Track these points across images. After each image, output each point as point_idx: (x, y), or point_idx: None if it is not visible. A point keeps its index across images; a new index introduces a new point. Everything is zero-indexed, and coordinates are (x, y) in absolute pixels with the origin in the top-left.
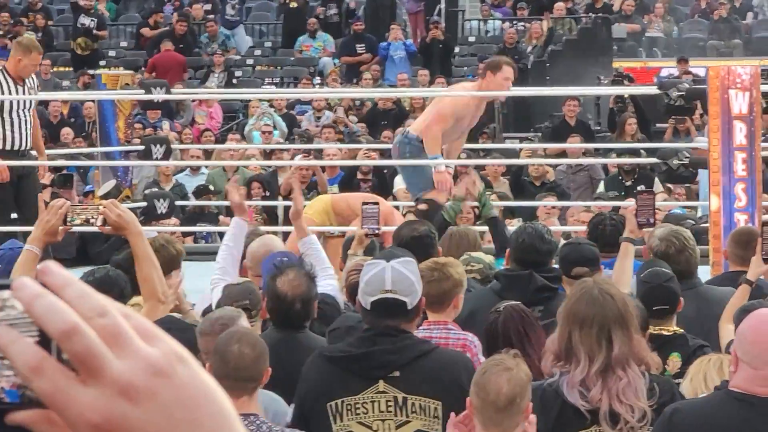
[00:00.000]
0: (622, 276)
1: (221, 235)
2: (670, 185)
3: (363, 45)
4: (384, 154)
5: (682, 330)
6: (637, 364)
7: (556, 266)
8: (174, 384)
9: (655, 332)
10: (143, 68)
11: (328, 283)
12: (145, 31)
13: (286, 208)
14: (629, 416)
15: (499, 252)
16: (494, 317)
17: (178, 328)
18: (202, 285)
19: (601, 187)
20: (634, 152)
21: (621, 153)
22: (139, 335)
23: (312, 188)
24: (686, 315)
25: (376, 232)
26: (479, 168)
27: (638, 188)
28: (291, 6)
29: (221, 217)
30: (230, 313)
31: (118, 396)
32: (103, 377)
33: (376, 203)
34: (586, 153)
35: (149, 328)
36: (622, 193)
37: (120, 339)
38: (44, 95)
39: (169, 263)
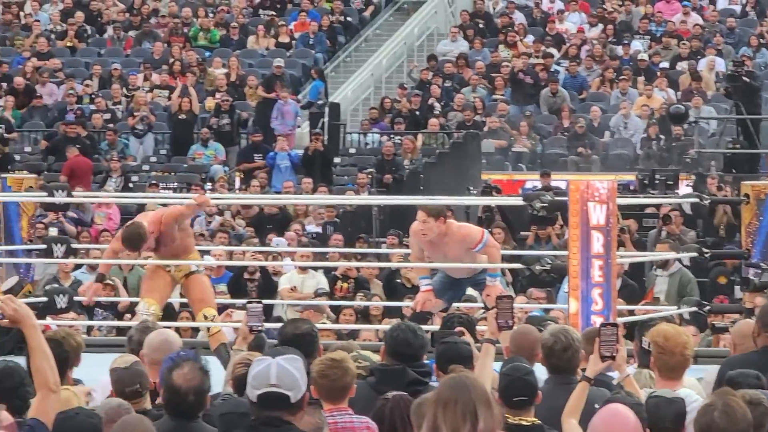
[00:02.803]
0: (483, 373)
1: (118, 329)
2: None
3: (260, 154)
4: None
5: (539, 421)
6: None
7: (427, 362)
8: None
9: (515, 422)
10: (47, 171)
11: None
12: (42, 144)
13: (182, 304)
14: None
15: None
16: (382, 404)
17: (86, 413)
18: (98, 375)
19: None
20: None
21: None
22: None
23: None
24: (560, 408)
25: (260, 328)
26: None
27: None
28: (180, 117)
29: None
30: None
31: None
32: None
33: (260, 302)
34: None
35: None
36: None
37: None
38: None
39: (69, 356)
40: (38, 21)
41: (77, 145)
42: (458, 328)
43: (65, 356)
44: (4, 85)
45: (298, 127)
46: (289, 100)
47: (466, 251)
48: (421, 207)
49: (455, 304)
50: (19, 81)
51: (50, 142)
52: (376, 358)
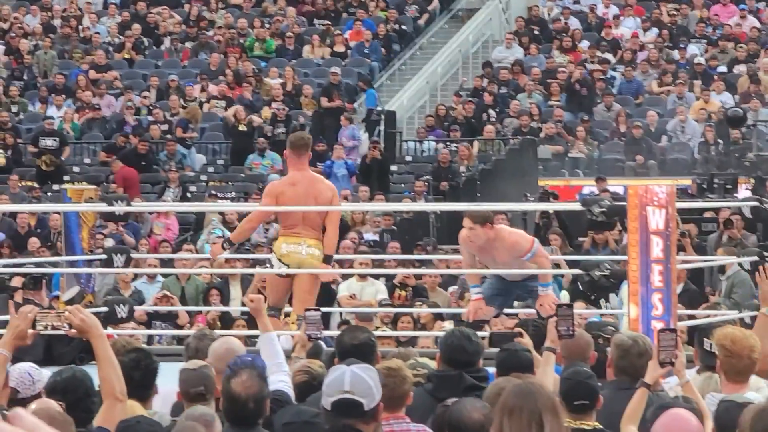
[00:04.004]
0: (544, 381)
1: (177, 338)
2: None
3: (323, 163)
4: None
5: (601, 426)
6: None
7: (485, 368)
8: None
9: (576, 427)
10: (105, 183)
11: (280, 379)
12: (101, 156)
13: (242, 312)
14: None
15: None
16: (443, 411)
17: (147, 422)
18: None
19: None
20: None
21: None
22: None
23: None
24: (620, 413)
25: (318, 336)
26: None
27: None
28: (240, 129)
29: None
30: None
31: None
32: None
33: (318, 309)
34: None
35: None
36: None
37: None
38: (13, 207)
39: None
40: (98, 34)
41: (119, 158)
42: (516, 329)
43: (154, 366)
44: (64, 96)
45: (353, 148)
46: (348, 126)
47: (515, 259)
48: (467, 214)
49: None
50: (86, 95)
51: (118, 155)
52: (433, 364)
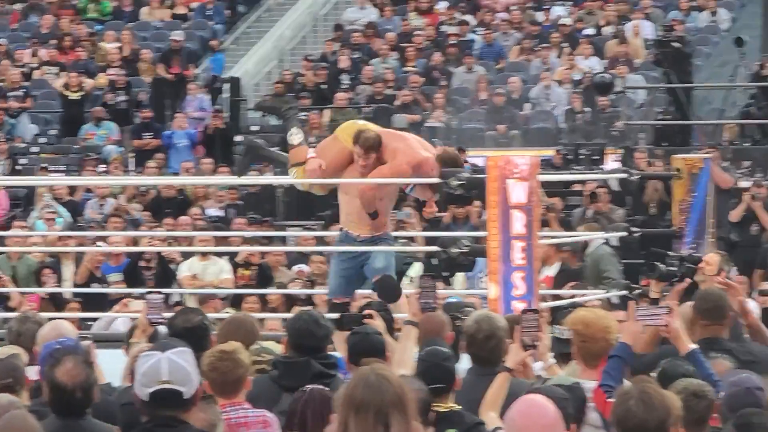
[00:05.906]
0: (404, 356)
1: (7, 321)
2: None
3: (151, 133)
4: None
5: (459, 407)
6: None
7: (333, 353)
8: None
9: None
10: None
11: None
12: None
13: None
14: None
15: None
16: (299, 396)
17: None
18: None
19: None
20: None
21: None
22: None
23: None
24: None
25: (160, 321)
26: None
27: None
28: (70, 98)
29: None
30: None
31: None
32: None
33: (160, 292)
34: None
35: None
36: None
37: None
38: None
39: None
40: None
41: None
42: (367, 311)
43: None
44: None
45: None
46: (197, 95)
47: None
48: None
49: None
50: None
51: None
52: (279, 349)
